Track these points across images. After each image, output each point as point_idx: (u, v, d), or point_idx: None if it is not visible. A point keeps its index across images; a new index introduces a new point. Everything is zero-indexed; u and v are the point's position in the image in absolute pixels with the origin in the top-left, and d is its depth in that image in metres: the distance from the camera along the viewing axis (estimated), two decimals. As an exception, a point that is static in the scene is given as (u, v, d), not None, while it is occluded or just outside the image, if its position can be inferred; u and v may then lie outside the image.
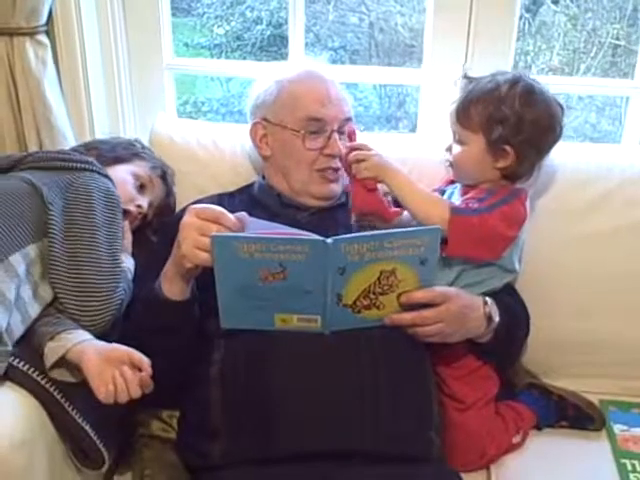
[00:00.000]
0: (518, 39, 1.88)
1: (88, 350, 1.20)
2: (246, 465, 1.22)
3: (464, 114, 1.39)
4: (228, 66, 2.53)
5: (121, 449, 1.39)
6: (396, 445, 1.25)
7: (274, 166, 1.53)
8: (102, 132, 1.84)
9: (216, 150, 1.72)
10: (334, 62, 2.99)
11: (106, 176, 1.43)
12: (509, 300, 1.45)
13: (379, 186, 1.38)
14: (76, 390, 1.22)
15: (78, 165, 1.41)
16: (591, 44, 2.93)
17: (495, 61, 1.67)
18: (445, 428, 1.38)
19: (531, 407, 1.52)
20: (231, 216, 1.18)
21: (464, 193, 1.44)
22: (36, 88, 1.72)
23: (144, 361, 1.19)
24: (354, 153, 1.36)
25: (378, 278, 1.21)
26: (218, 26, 3.27)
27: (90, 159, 1.44)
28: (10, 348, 1.19)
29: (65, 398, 1.23)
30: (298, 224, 1.26)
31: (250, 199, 1.53)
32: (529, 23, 2.85)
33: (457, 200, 1.43)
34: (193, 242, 1.17)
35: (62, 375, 1.22)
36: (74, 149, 1.55)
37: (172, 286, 1.26)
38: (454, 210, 1.32)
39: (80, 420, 1.24)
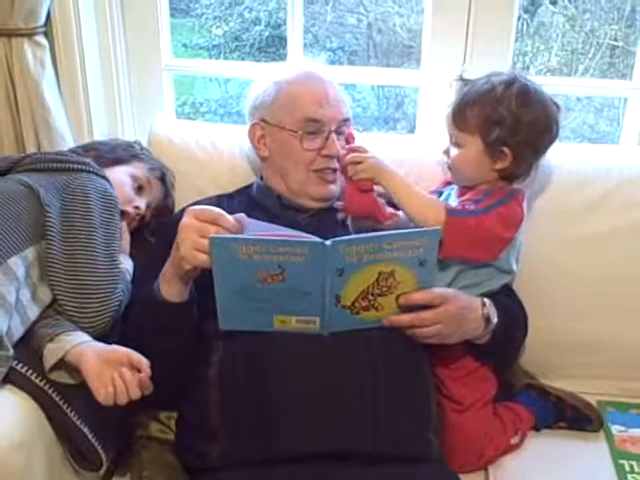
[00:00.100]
0: (516, 40, 1.88)
1: (87, 352, 1.20)
2: (245, 466, 1.22)
3: (460, 117, 1.39)
4: (226, 67, 2.52)
5: (119, 451, 1.39)
6: (396, 445, 1.26)
7: (272, 167, 1.53)
8: (101, 133, 1.84)
9: (215, 151, 1.72)
10: (332, 63, 2.99)
11: (103, 177, 1.43)
12: (507, 301, 1.45)
13: (375, 188, 1.38)
14: (75, 392, 1.22)
15: (75, 166, 1.41)
16: (589, 45, 2.93)
17: (493, 62, 1.67)
18: (443, 429, 1.38)
19: (529, 408, 1.52)
20: (230, 217, 1.18)
21: (461, 195, 1.44)
22: (34, 89, 1.72)
23: (143, 362, 1.19)
24: (350, 155, 1.36)
25: (377, 279, 1.21)
26: (216, 27, 3.27)
27: (87, 160, 1.44)
28: (11, 353, 1.18)
29: (64, 400, 1.23)
30: (298, 226, 1.25)
31: (249, 200, 1.53)
32: (527, 24, 2.86)
33: (454, 202, 1.43)
34: (192, 244, 1.17)
35: (61, 377, 1.23)
36: (72, 150, 1.55)
37: (171, 287, 1.26)
38: (450, 211, 1.32)
39: (79, 422, 1.24)
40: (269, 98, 1.50)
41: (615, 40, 2.89)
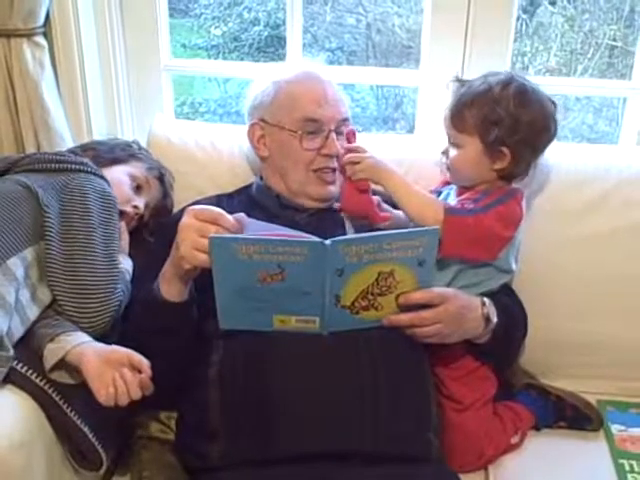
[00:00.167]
0: (515, 40, 1.89)
1: (87, 352, 1.19)
2: (245, 466, 1.22)
3: (458, 117, 1.39)
4: (225, 67, 2.53)
5: (119, 450, 1.39)
6: (396, 445, 1.26)
7: (272, 167, 1.53)
8: (100, 133, 1.84)
9: (214, 151, 1.72)
10: (331, 63, 3.00)
11: (101, 177, 1.43)
12: (507, 301, 1.45)
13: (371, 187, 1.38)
14: (75, 392, 1.22)
15: (73, 166, 1.41)
16: (588, 45, 2.94)
17: (492, 62, 1.67)
18: (443, 429, 1.38)
19: (529, 407, 1.52)
20: (230, 217, 1.18)
21: (460, 194, 1.44)
22: (34, 90, 1.72)
23: (144, 363, 1.19)
24: (348, 156, 1.36)
25: (376, 279, 1.21)
26: (215, 27, 3.27)
27: (85, 160, 1.44)
28: (11, 353, 1.18)
29: (64, 400, 1.23)
30: (297, 225, 1.26)
31: (249, 200, 1.53)
32: (526, 24, 2.86)
33: (453, 201, 1.43)
34: (192, 243, 1.17)
35: (61, 377, 1.22)
36: (71, 150, 1.55)
37: (170, 287, 1.26)
38: (448, 210, 1.33)
39: (79, 422, 1.24)
40: (268, 98, 1.50)
41: (614, 40, 2.90)
